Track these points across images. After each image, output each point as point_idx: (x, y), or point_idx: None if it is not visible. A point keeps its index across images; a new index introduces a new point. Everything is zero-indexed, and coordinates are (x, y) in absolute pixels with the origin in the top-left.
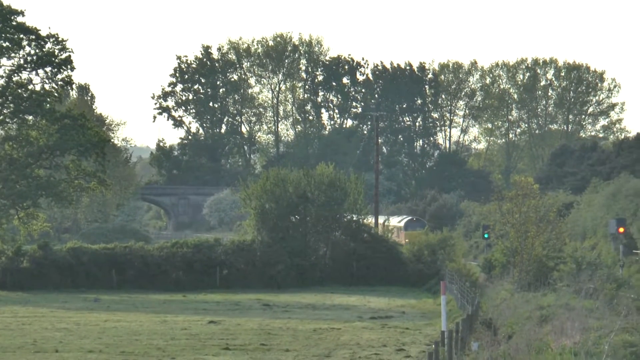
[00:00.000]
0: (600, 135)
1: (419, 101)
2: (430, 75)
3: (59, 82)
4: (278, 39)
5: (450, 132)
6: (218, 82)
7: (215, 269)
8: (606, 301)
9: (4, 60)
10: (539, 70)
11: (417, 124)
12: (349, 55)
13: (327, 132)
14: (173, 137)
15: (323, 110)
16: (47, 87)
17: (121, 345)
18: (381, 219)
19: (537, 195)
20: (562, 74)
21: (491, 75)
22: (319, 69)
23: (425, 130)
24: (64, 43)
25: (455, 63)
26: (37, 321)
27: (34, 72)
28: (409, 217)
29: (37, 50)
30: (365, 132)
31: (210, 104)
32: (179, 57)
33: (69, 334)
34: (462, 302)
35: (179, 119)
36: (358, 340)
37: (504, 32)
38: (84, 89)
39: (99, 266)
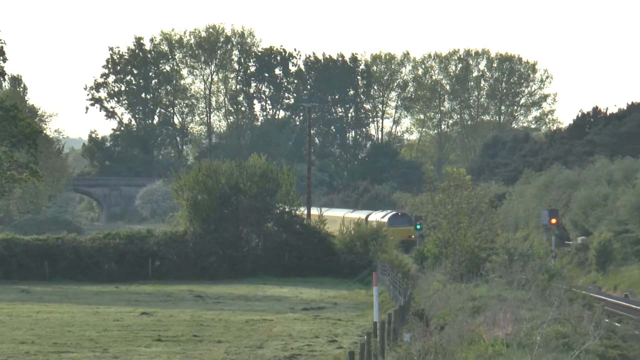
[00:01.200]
0: (532, 126)
1: (351, 92)
2: (362, 67)
3: None
4: (210, 30)
5: (382, 123)
6: (150, 74)
7: (147, 260)
8: (538, 292)
9: None
10: (471, 62)
11: (349, 115)
12: (281, 46)
13: (259, 124)
14: (105, 128)
15: (255, 101)
16: None
17: (53, 337)
18: (362, 214)
19: (469, 186)
20: (494, 65)
21: (423, 66)
22: (251, 60)
23: (357, 121)
24: None
25: (387, 54)
26: None
27: None
28: (393, 212)
29: None
30: (297, 123)
31: (143, 95)
32: (111, 49)
33: (0, 326)
34: (394, 293)
35: (111, 110)
36: (290, 332)
37: (436, 24)
38: (16, 80)
39: (31, 257)
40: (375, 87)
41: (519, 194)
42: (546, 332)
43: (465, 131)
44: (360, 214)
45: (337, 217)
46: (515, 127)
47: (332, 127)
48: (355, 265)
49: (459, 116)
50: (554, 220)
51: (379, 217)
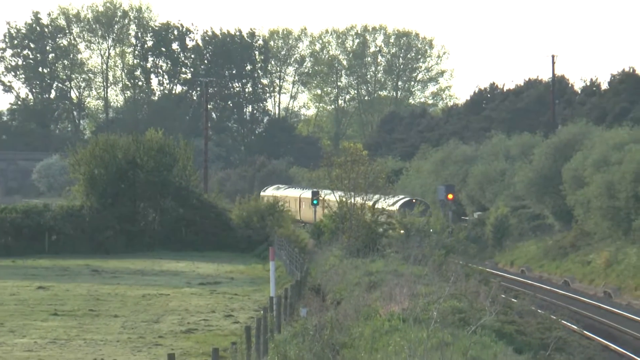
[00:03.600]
0: (430, 102)
1: (249, 67)
2: (260, 42)
3: None
4: (108, 4)
5: (279, 98)
6: (48, 48)
7: (44, 235)
8: (435, 267)
9: None
10: (368, 37)
11: (246, 90)
12: (179, 21)
13: (156, 98)
14: (2, 102)
15: (152, 76)
16: None
17: None
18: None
19: (366, 161)
20: (392, 41)
21: (321, 41)
22: (149, 35)
23: (254, 96)
24: None
25: (285, 30)
26: None
27: None
28: (407, 198)
29: None
30: (194, 98)
31: (40, 69)
32: (8, 23)
33: None
34: (291, 268)
35: (8, 84)
36: (187, 306)
37: None
38: None
39: None
40: (273, 62)
41: (416, 169)
42: (443, 308)
43: (362, 106)
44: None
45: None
46: (413, 102)
47: (229, 102)
48: (252, 240)
49: (356, 91)
50: (450, 196)
51: (387, 203)
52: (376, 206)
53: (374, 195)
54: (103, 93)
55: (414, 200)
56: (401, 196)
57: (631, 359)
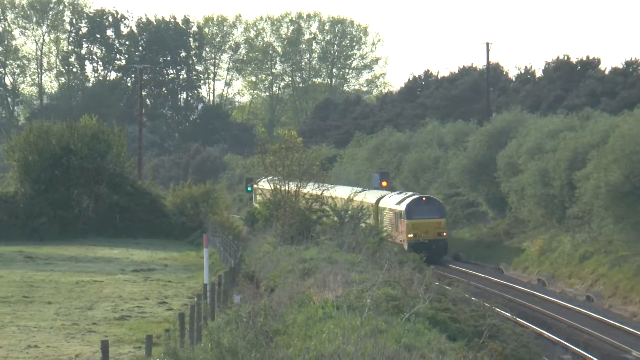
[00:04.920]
0: (364, 89)
1: (183, 54)
2: (194, 29)
3: None
4: None
5: (214, 85)
6: None
7: None
8: (369, 255)
9: None
10: (302, 24)
11: (181, 76)
12: (114, 7)
13: (91, 85)
14: None
15: (87, 62)
16: None
17: None
18: (372, 197)
19: (300, 148)
20: (326, 28)
21: (255, 28)
22: (83, 21)
23: (189, 83)
24: None
25: (219, 16)
26: None
27: None
28: (416, 196)
29: None
30: (129, 84)
31: None
32: None
33: None
34: (225, 255)
35: None
36: (120, 293)
37: None
38: None
39: None
40: (207, 49)
41: (350, 156)
42: (376, 295)
43: (296, 93)
44: (368, 196)
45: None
46: (347, 89)
47: (163, 89)
48: (186, 226)
49: (290, 78)
50: (384, 183)
51: (392, 202)
52: (379, 205)
53: (360, 191)
54: (37, 79)
55: (424, 199)
56: (409, 193)
57: (564, 347)
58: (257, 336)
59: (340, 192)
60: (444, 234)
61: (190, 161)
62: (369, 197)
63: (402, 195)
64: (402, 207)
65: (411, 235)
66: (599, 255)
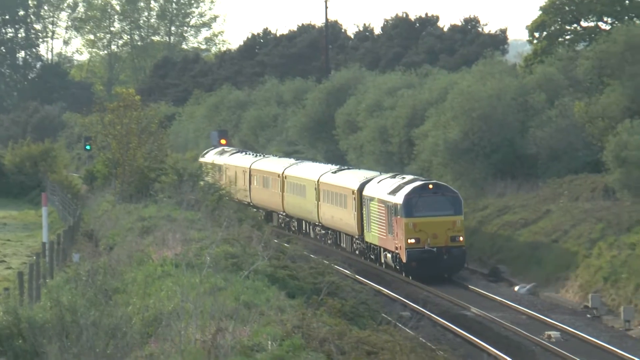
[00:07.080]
0: (203, 47)
1: (21, 12)
2: None
3: None
4: None
5: (52, 43)
6: None
7: None
8: (208, 213)
9: None
10: None
11: (19, 35)
12: None
13: None
14: None
15: None
16: None
17: None
18: (353, 182)
19: (138, 106)
20: None
21: None
22: None
23: (27, 41)
24: None
25: None
26: None
27: None
28: (419, 182)
29: None
30: None
31: None
32: None
33: None
34: (64, 213)
35: None
36: None
37: None
38: None
39: None
40: (46, 8)
41: (189, 114)
42: (215, 253)
43: (135, 52)
44: (347, 180)
45: (305, 181)
46: (186, 48)
47: (1, 48)
48: (25, 185)
49: (129, 37)
50: (223, 141)
51: (382, 191)
52: (364, 193)
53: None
54: None
55: (430, 186)
56: (407, 177)
57: (403, 303)
58: (97, 294)
59: (306, 172)
60: (461, 238)
61: (29, 120)
62: (349, 180)
63: (397, 179)
64: (399, 198)
65: (412, 241)
66: None
